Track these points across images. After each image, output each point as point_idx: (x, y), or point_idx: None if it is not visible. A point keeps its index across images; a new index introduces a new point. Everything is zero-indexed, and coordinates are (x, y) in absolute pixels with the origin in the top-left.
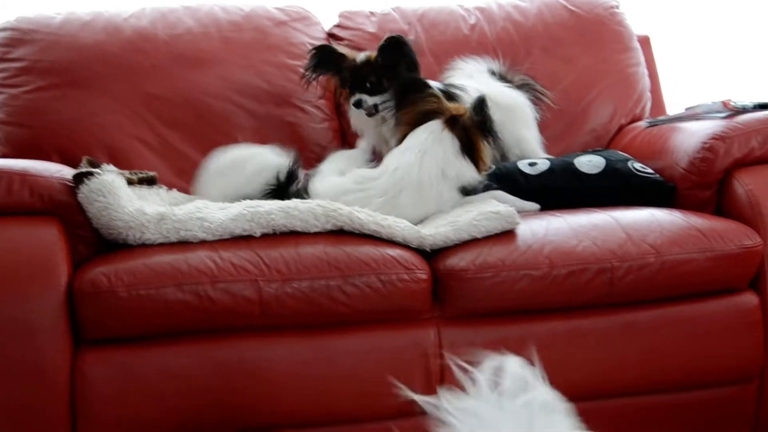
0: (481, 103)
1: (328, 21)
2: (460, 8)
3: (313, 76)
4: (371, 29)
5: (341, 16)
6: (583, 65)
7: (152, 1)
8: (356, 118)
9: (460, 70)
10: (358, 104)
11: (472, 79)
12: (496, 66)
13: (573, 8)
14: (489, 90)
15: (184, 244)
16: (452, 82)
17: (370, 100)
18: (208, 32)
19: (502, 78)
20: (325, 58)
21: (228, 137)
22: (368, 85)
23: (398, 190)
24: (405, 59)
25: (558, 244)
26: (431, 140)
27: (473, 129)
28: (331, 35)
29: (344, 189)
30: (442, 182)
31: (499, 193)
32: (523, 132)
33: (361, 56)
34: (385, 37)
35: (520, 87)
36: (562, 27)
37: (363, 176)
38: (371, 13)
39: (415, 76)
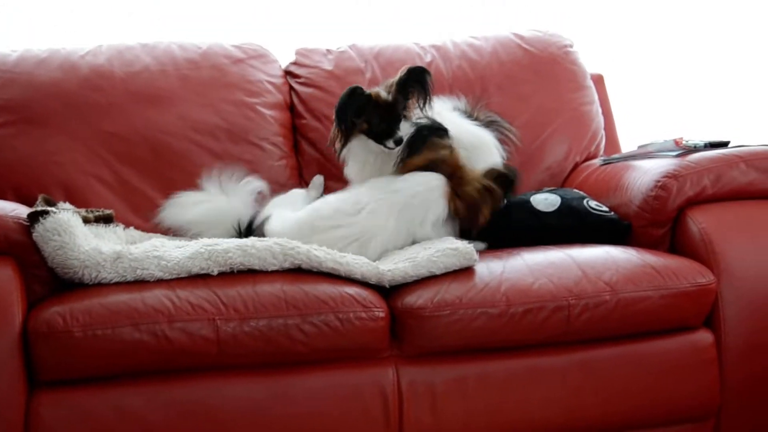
0: (506, 178)
1: (285, 58)
2: (416, 46)
3: (345, 123)
4: (328, 66)
5: (298, 53)
6: (538, 103)
7: (109, 39)
8: (360, 147)
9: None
10: (400, 142)
11: (439, 116)
12: (460, 104)
13: (527, 47)
14: (455, 127)
15: (140, 283)
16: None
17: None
18: (165, 70)
19: (468, 115)
20: (357, 100)
21: (186, 175)
22: (400, 122)
23: (369, 238)
24: (422, 91)
25: (515, 282)
26: (420, 198)
27: (481, 198)
28: (288, 73)
29: (312, 227)
30: (409, 241)
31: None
32: None
33: (384, 93)
34: (408, 67)
35: (487, 125)
36: (516, 65)
37: (337, 209)
38: (328, 50)
39: (437, 122)
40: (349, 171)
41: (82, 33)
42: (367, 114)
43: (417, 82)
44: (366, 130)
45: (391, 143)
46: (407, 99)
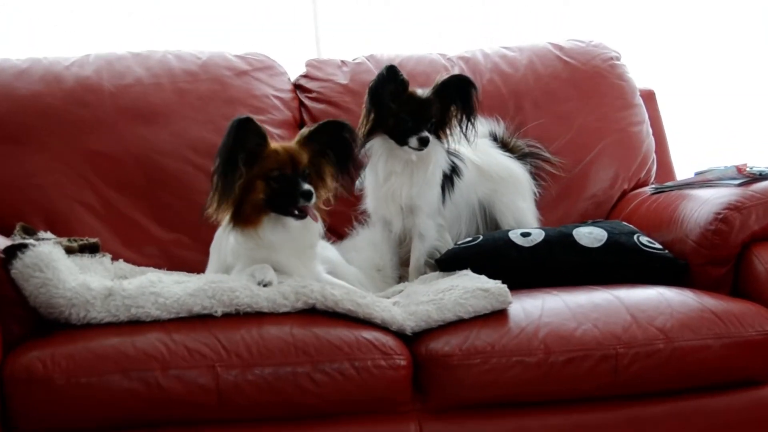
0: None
1: (294, 70)
2: (442, 57)
3: (380, 106)
4: (342, 80)
5: (309, 65)
6: (580, 123)
7: (97, 47)
8: (381, 149)
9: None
10: (425, 143)
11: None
12: (499, 128)
13: (568, 59)
14: (485, 156)
15: (134, 324)
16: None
17: (432, 139)
18: (160, 83)
19: (503, 144)
20: (395, 81)
21: (183, 201)
22: (430, 125)
23: None
24: (465, 105)
25: (555, 327)
26: None
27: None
28: (297, 86)
29: None
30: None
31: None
32: (518, 203)
33: (420, 91)
34: (452, 74)
35: (525, 156)
36: (555, 80)
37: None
38: (343, 62)
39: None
40: (366, 178)
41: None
42: (399, 103)
43: (459, 92)
44: (390, 126)
45: (414, 142)
46: (445, 107)
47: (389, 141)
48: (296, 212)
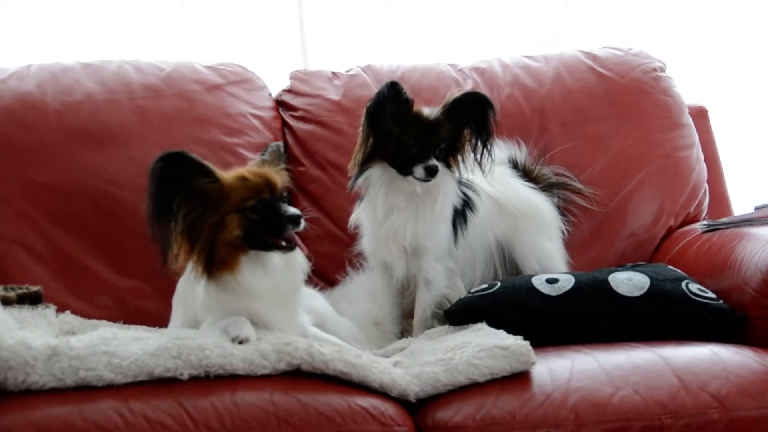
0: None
1: (276, 83)
2: (452, 69)
3: (379, 129)
4: (334, 95)
5: (294, 78)
6: (618, 147)
7: (40, 57)
8: (380, 181)
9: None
10: (432, 173)
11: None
12: (520, 154)
13: (603, 70)
14: (503, 188)
15: (83, 390)
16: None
17: (440, 168)
18: (116, 99)
19: (524, 173)
20: (398, 101)
21: (142, 241)
22: (438, 151)
23: None
24: (480, 127)
25: (587, 393)
26: None
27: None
28: (280, 103)
29: None
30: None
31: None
32: (542, 243)
33: (427, 111)
34: (465, 91)
35: (551, 187)
36: (587, 95)
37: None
38: (334, 74)
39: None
40: (362, 214)
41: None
42: (403, 126)
43: (474, 112)
44: (392, 153)
45: (420, 171)
46: (457, 130)
47: (390, 170)
48: (283, 243)
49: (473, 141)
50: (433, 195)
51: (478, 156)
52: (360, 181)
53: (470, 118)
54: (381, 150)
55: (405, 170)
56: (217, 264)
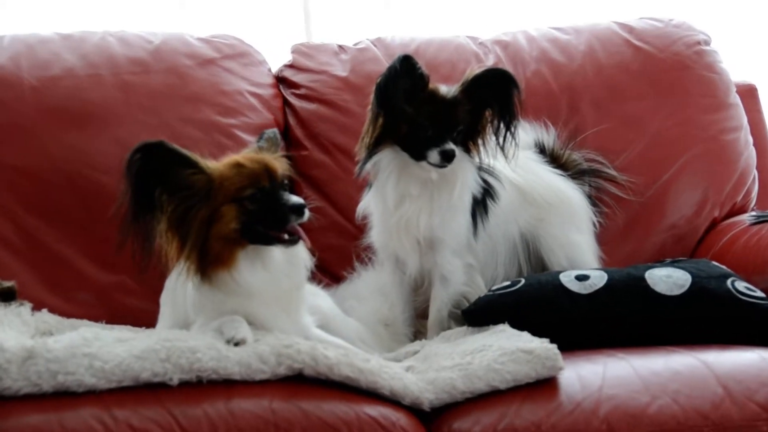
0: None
1: (276, 58)
2: (472, 42)
3: (389, 107)
4: (340, 71)
5: (296, 51)
6: (656, 130)
7: (14, 27)
8: (391, 165)
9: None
10: (449, 158)
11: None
12: (547, 137)
13: (640, 44)
14: (526, 178)
15: (62, 396)
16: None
17: (458, 152)
18: (98, 75)
19: (552, 158)
20: (411, 76)
21: None
22: (456, 133)
23: None
24: (502, 107)
25: (621, 401)
26: None
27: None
28: (281, 80)
29: None
30: None
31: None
32: (572, 236)
33: (444, 89)
34: (486, 67)
35: (582, 174)
36: (623, 71)
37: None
38: (340, 47)
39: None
40: (371, 202)
41: None
42: (417, 105)
43: (496, 92)
44: (404, 135)
45: (435, 156)
46: (476, 111)
47: (402, 154)
48: (286, 237)
49: (495, 123)
50: (449, 182)
51: (501, 140)
52: (368, 166)
53: (492, 97)
54: (392, 131)
55: (418, 154)
56: (211, 261)
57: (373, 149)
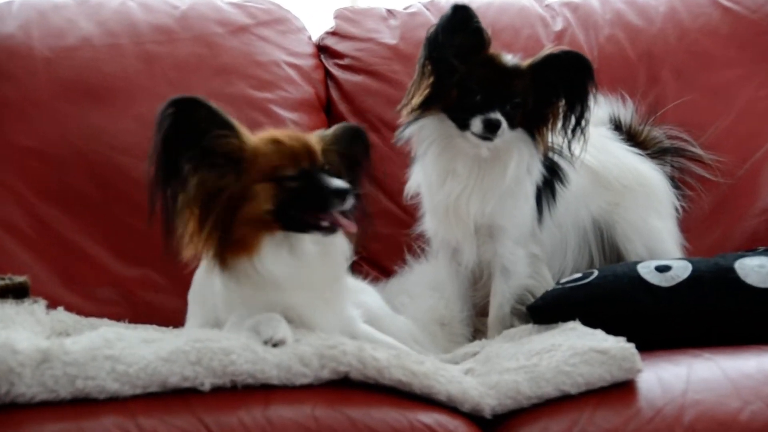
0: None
1: (318, 24)
2: (538, 4)
3: (439, 61)
4: (389, 39)
5: (339, 17)
6: (747, 102)
7: None
8: (435, 134)
9: None
10: (493, 128)
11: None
12: (624, 111)
13: (729, 4)
14: (599, 158)
15: (81, 403)
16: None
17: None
18: (118, 44)
19: (629, 136)
20: (465, 30)
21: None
22: (510, 106)
23: None
24: (571, 95)
25: (708, 407)
26: None
27: None
28: (322, 49)
29: None
30: None
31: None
32: (651, 222)
33: (509, 57)
34: (565, 49)
35: (663, 152)
36: (709, 36)
37: None
38: (389, 12)
39: None
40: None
41: None
42: (470, 66)
43: (567, 77)
44: (453, 101)
45: (478, 124)
46: (541, 92)
47: (448, 124)
48: (325, 225)
49: (564, 112)
50: (502, 162)
51: (569, 130)
52: (412, 130)
53: (561, 83)
54: (442, 95)
55: (463, 122)
56: (232, 245)
57: (417, 114)
